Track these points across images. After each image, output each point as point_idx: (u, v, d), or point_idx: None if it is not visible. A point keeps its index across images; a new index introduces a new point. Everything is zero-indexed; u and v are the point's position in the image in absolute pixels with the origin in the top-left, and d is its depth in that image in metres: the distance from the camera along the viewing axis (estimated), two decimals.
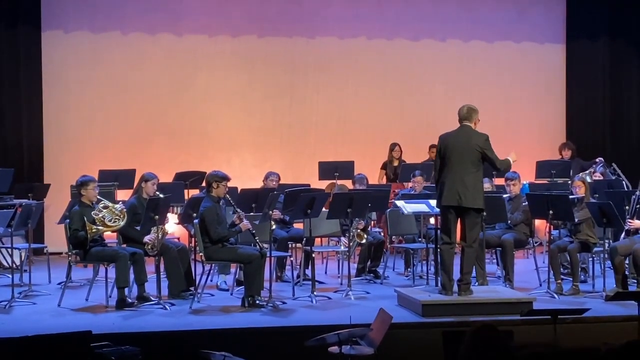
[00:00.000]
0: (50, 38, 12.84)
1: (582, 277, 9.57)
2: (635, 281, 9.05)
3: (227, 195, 8.83)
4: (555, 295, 8.78)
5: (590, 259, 9.77)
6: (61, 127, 12.89)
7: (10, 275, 9.08)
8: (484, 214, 8.80)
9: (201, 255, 8.69)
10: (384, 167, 12.99)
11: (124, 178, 11.42)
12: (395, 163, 12.89)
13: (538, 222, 10.72)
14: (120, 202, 9.15)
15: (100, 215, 8.59)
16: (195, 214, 8.87)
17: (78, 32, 13.00)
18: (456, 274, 8.24)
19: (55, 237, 11.09)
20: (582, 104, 14.38)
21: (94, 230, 8.51)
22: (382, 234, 10.68)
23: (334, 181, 12.06)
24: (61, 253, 11.16)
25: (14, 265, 9.65)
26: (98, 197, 8.79)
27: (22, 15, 12.65)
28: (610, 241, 9.54)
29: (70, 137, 12.91)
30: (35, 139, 12.69)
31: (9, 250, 10.00)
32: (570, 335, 7.25)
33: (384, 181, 12.83)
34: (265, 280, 8.65)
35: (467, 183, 7.98)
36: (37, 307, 8.55)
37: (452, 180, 8.02)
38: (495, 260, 10.53)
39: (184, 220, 9.83)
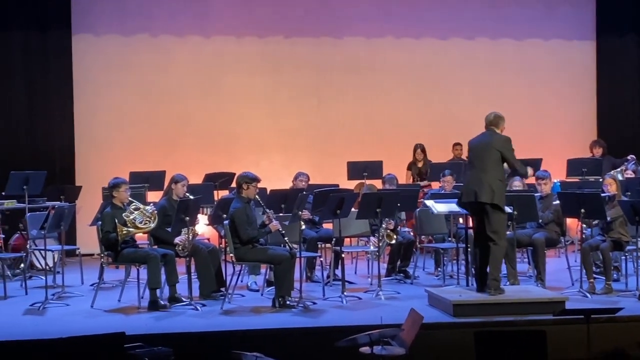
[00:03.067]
0: (80, 41, 12.95)
1: (615, 275, 9.49)
2: None
3: (257, 196, 8.85)
4: (588, 295, 8.72)
5: (623, 257, 9.70)
6: (92, 130, 12.99)
7: (43, 277, 9.16)
8: (515, 213, 8.79)
9: (231, 256, 8.72)
10: (409, 167, 12.96)
11: (154, 180, 11.48)
12: (420, 164, 12.87)
13: (569, 221, 10.65)
14: (151, 204, 9.21)
15: (132, 217, 8.65)
16: (225, 215, 8.90)
17: (107, 35, 13.10)
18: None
19: (88, 239, 11.19)
20: (613, 100, 14.26)
21: (124, 232, 8.57)
22: (412, 233, 10.65)
23: (363, 181, 12.05)
24: (93, 254, 11.27)
25: (47, 267, 9.73)
26: (129, 198, 8.86)
27: (52, 19, 12.77)
28: None
29: (101, 139, 13.01)
30: (66, 141, 12.81)
31: (42, 252, 10.08)
32: (604, 335, 7.21)
33: (411, 181, 12.80)
34: (295, 280, 8.66)
35: (483, 180, 8.07)
36: (71, 309, 8.63)
37: (470, 178, 8.22)
38: (526, 260, 10.48)
39: (214, 221, 9.86)
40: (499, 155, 8.14)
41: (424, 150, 12.90)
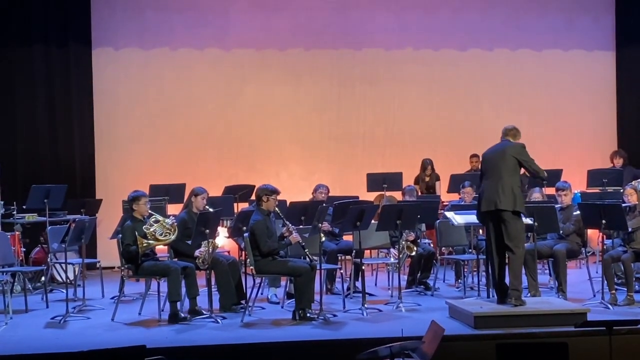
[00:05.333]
0: (100, 55, 13.04)
1: (637, 287, 9.42)
2: None
3: (277, 208, 8.86)
4: (610, 306, 8.66)
5: None
6: (112, 143, 13.07)
7: (64, 290, 9.21)
8: (536, 224, 8.76)
9: (252, 269, 8.72)
10: (417, 182, 12.92)
11: (174, 192, 11.52)
12: (427, 179, 12.88)
13: (590, 232, 10.59)
14: (171, 217, 9.24)
15: (152, 230, 8.68)
16: (245, 228, 8.91)
17: (128, 48, 13.19)
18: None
19: (108, 252, 11.24)
20: (633, 111, 14.20)
21: (144, 245, 8.60)
22: (432, 245, 10.63)
23: (382, 193, 12.04)
24: (114, 267, 11.31)
25: (68, 280, 9.77)
26: (149, 211, 8.89)
27: (73, 33, 12.86)
28: None
29: (121, 152, 13.08)
30: (87, 155, 12.89)
31: (63, 265, 10.14)
32: (626, 346, 7.16)
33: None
34: (316, 293, 8.66)
35: (503, 187, 8.10)
36: (91, 322, 8.64)
37: (488, 188, 8.18)
38: (547, 271, 10.42)
39: (234, 233, 9.87)
40: (515, 162, 8.18)
41: (433, 166, 12.91)
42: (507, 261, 8.22)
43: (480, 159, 8.63)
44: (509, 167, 8.18)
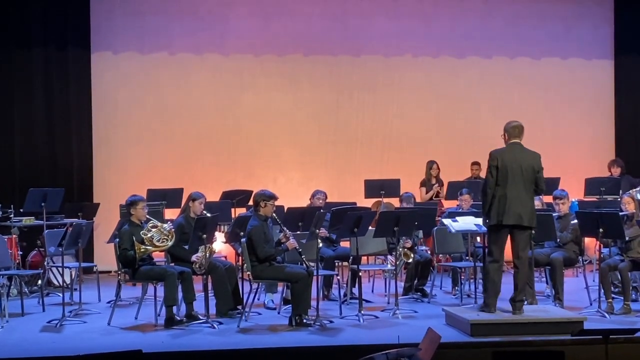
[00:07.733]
0: (99, 59, 13.03)
1: (634, 296, 9.44)
2: None
3: (274, 214, 8.86)
4: (606, 315, 8.66)
5: None
6: (110, 147, 13.06)
7: (61, 294, 9.19)
8: (533, 232, 8.77)
9: (248, 274, 8.72)
10: (423, 184, 12.92)
11: (171, 197, 11.50)
12: (433, 181, 12.86)
13: (587, 240, 10.60)
14: (169, 222, 9.23)
15: (149, 235, 8.67)
16: (242, 233, 8.90)
17: (126, 53, 13.18)
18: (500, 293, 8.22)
19: (105, 256, 11.23)
20: (631, 120, 14.22)
21: (142, 250, 8.59)
22: (429, 252, 10.63)
23: (380, 199, 12.04)
24: (110, 272, 11.31)
25: (65, 284, 9.76)
26: (147, 216, 8.88)
27: (71, 37, 12.86)
28: None
29: (119, 156, 13.07)
30: (84, 158, 12.87)
31: (60, 269, 10.12)
32: (622, 355, 7.16)
33: (427, 199, 12.76)
34: (313, 299, 8.65)
35: (525, 202, 8.03)
36: (88, 326, 8.64)
37: (510, 199, 8.02)
38: (544, 279, 10.43)
39: (231, 239, 9.87)
40: (535, 175, 8.11)
41: (438, 166, 12.91)
42: (514, 272, 8.19)
43: (495, 160, 8.06)
44: (530, 179, 8.07)
